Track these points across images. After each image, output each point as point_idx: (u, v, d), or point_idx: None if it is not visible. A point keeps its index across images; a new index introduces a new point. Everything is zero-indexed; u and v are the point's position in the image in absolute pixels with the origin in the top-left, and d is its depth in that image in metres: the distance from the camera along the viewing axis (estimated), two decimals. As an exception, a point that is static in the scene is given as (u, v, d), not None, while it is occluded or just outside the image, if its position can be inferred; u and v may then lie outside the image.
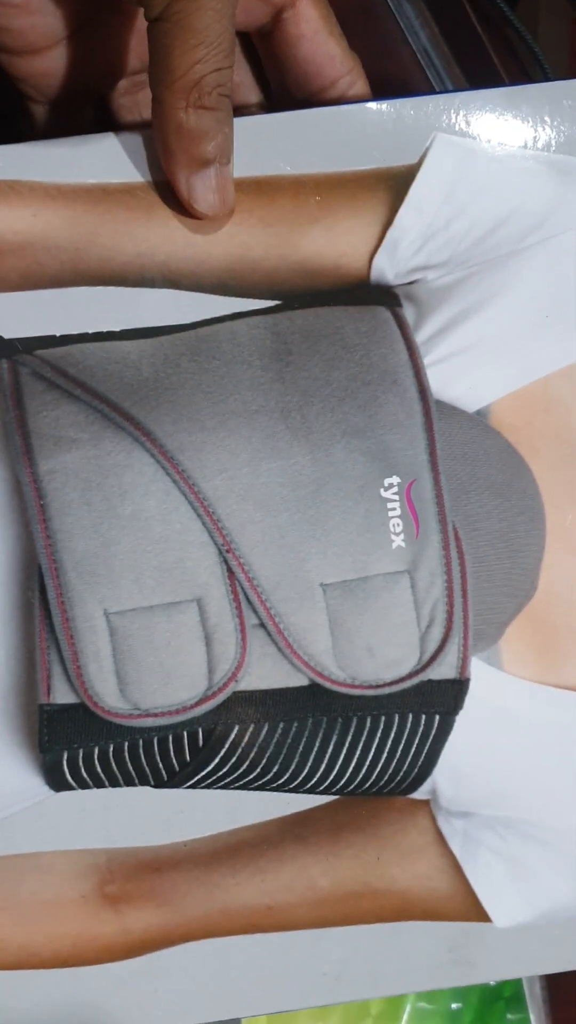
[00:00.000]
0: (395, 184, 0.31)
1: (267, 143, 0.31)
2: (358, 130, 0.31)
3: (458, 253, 0.31)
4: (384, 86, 0.38)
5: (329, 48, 0.34)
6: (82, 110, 0.35)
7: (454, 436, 0.31)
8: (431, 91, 0.40)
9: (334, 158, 0.31)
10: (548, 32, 0.48)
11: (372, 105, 0.31)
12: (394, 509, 0.31)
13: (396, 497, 0.31)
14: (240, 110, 0.37)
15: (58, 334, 0.31)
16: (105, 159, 0.31)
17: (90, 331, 0.31)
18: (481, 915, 0.31)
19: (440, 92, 0.31)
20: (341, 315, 0.31)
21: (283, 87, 0.35)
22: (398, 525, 0.31)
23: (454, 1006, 0.46)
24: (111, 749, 0.30)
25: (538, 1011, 0.46)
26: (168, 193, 0.31)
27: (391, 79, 0.39)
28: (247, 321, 0.31)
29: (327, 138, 0.31)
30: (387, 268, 0.32)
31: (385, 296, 0.32)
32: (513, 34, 0.40)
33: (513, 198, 0.31)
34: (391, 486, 0.31)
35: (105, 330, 0.31)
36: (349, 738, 0.31)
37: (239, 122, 0.31)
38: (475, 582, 0.31)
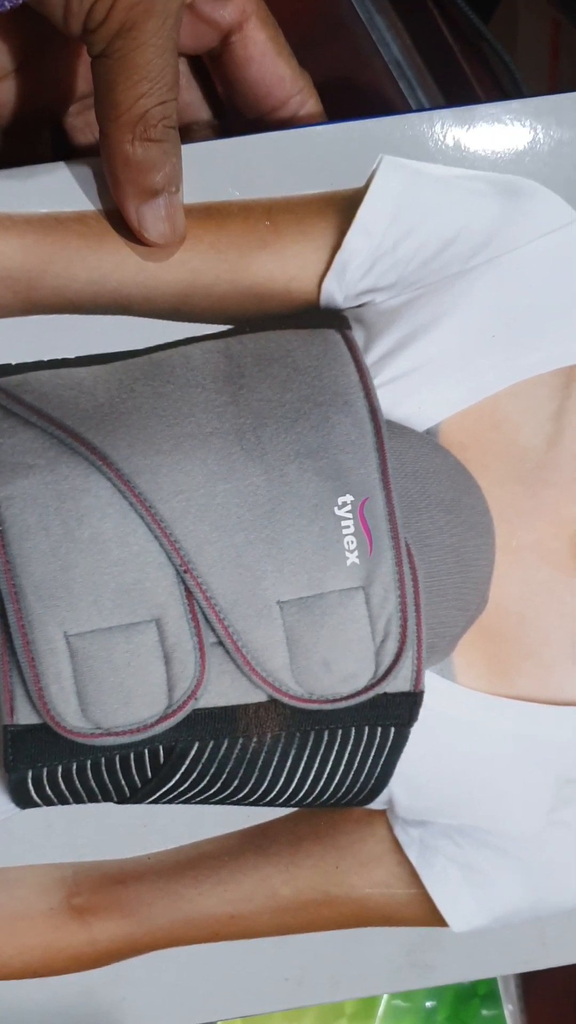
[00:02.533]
0: (343, 207, 0.32)
1: (216, 169, 0.32)
2: (305, 153, 0.32)
3: (406, 275, 0.32)
4: (356, 98, 0.38)
5: (278, 69, 0.34)
6: (37, 135, 0.35)
7: (405, 455, 0.32)
8: (404, 102, 0.40)
9: (283, 182, 0.32)
10: (528, 32, 0.48)
11: (317, 128, 0.32)
12: (348, 527, 0.31)
13: (349, 515, 0.31)
14: (190, 129, 0.38)
15: (13, 362, 0.32)
16: (56, 188, 0.31)
17: (45, 359, 0.32)
18: (438, 920, 0.32)
19: (387, 114, 0.31)
20: (292, 338, 0.32)
21: (234, 107, 0.35)
22: (352, 542, 0.31)
23: (428, 1004, 0.47)
24: (74, 767, 0.31)
25: (513, 1007, 0.47)
26: (119, 221, 0.31)
27: (363, 91, 0.40)
28: (200, 345, 0.32)
29: (275, 162, 0.32)
30: (336, 291, 0.32)
31: (335, 319, 0.32)
32: (485, 44, 0.40)
33: (460, 219, 0.32)
34: (344, 504, 0.31)
35: (60, 357, 0.32)
36: (307, 752, 0.32)
37: (188, 148, 0.31)
38: (428, 596, 0.32)
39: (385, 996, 0.46)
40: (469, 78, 0.38)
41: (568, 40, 0.47)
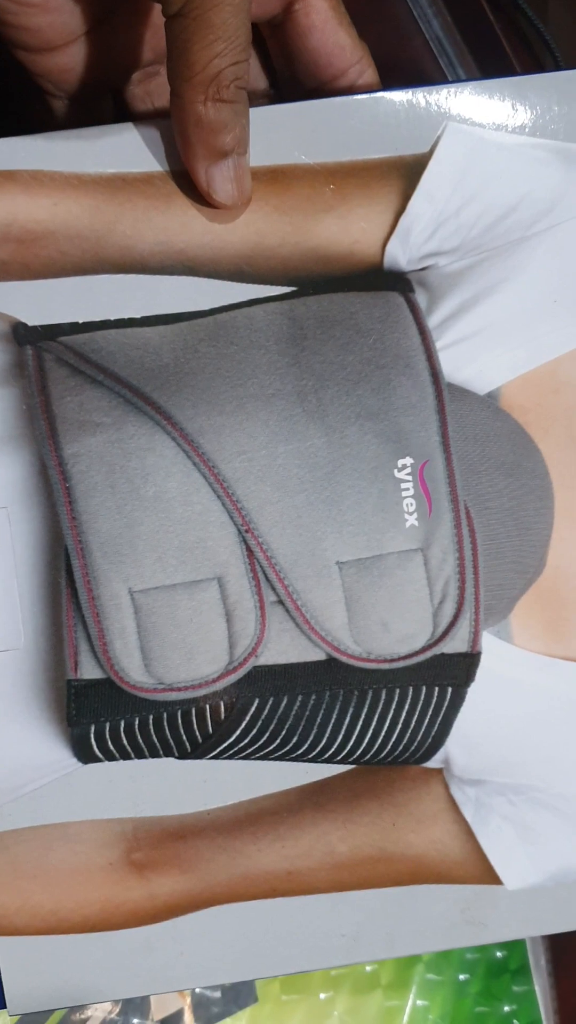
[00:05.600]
0: (407, 172, 0.32)
1: (282, 133, 0.32)
2: (371, 119, 0.32)
3: (469, 239, 0.32)
4: (397, 74, 0.39)
5: (339, 38, 0.34)
6: (100, 102, 0.35)
7: (465, 418, 0.32)
8: (443, 79, 0.40)
9: (347, 147, 0.32)
10: (558, 17, 0.48)
11: (384, 94, 0.32)
12: (407, 489, 0.32)
13: (409, 477, 0.32)
14: (248, 97, 0.38)
15: (80, 321, 0.32)
16: (124, 149, 0.31)
17: (111, 318, 0.32)
18: (492, 878, 0.33)
19: (451, 82, 0.32)
20: (355, 300, 0.32)
21: (292, 76, 0.36)
22: (411, 504, 0.32)
23: (461, 977, 0.47)
24: (136, 722, 0.31)
25: (543, 983, 0.48)
26: (185, 182, 0.32)
27: (404, 67, 0.40)
28: (264, 307, 0.32)
29: (340, 127, 0.32)
30: (400, 254, 0.32)
31: (398, 282, 0.32)
32: (525, 21, 0.40)
33: (522, 186, 0.32)
34: (404, 467, 0.32)
35: (126, 317, 0.32)
36: (365, 710, 0.32)
37: (255, 112, 0.32)
38: (486, 559, 0.32)
39: (420, 968, 0.47)
40: (508, 55, 0.38)
41: None
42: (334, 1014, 0.45)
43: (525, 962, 0.47)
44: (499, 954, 0.47)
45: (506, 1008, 0.47)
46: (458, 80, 0.33)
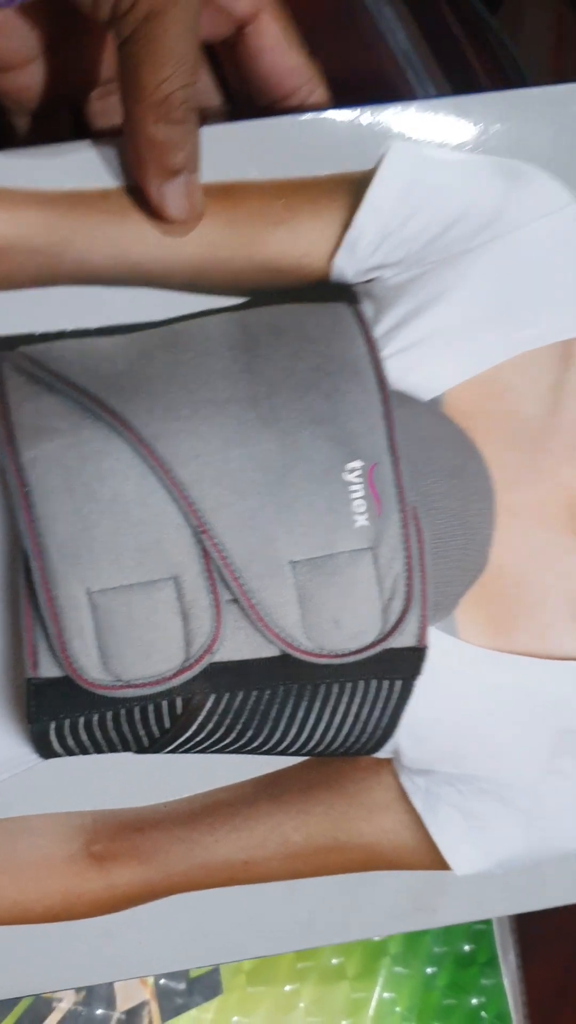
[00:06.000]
0: (353, 188, 0.34)
1: (234, 150, 0.33)
2: (319, 137, 0.34)
3: (413, 252, 0.34)
4: (363, 84, 0.40)
5: (290, 60, 0.36)
6: (59, 117, 0.36)
7: (411, 423, 0.34)
8: (409, 90, 0.42)
9: (297, 164, 0.34)
10: (533, 23, 0.49)
11: (331, 113, 0.34)
12: (357, 491, 0.33)
13: (359, 480, 0.33)
14: (202, 113, 0.39)
15: (38, 332, 0.33)
16: (80, 167, 0.33)
17: (68, 328, 0.33)
18: (441, 864, 0.34)
19: (396, 101, 0.33)
20: (304, 311, 0.34)
21: (246, 95, 0.37)
22: (361, 506, 0.33)
23: (429, 970, 0.48)
24: (95, 719, 0.32)
25: (511, 976, 0.49)
26: (140, 198, 0.33)
27: (371, 79, 0.41)
28: (217, 317, 0.34)
29: (290, 145, 0.34)
30: (346, 267, 0.34)
31: (345, 293, 0.34)
32: (491, 35, 0.41)
33: (463, 201, 0.34)
34: (354, 469, 0.33)
35: (83, 327, 0.33)
36: (318, 703, 0.33)
37: (208, 130, 0.33)
38: (432, 557, 0.33)
39: (387, 961, 0.48)
40: (475, 68, 0.40)
41: (572, 32, 0.49)
42: (299, 1005, 0.46)
43: (493, 955, 0.49)
44: (467, 947, 0.49)
45: (474, 1001, 0.49)
46: (402, 100, 0.35)
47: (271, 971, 0.46)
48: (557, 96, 0.33)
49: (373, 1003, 0.47)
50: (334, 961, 0.47)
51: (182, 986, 0.44)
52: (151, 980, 0.44)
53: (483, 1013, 0.48)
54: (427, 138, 0.33)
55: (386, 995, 0.47)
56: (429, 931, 0.48)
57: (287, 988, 0.46)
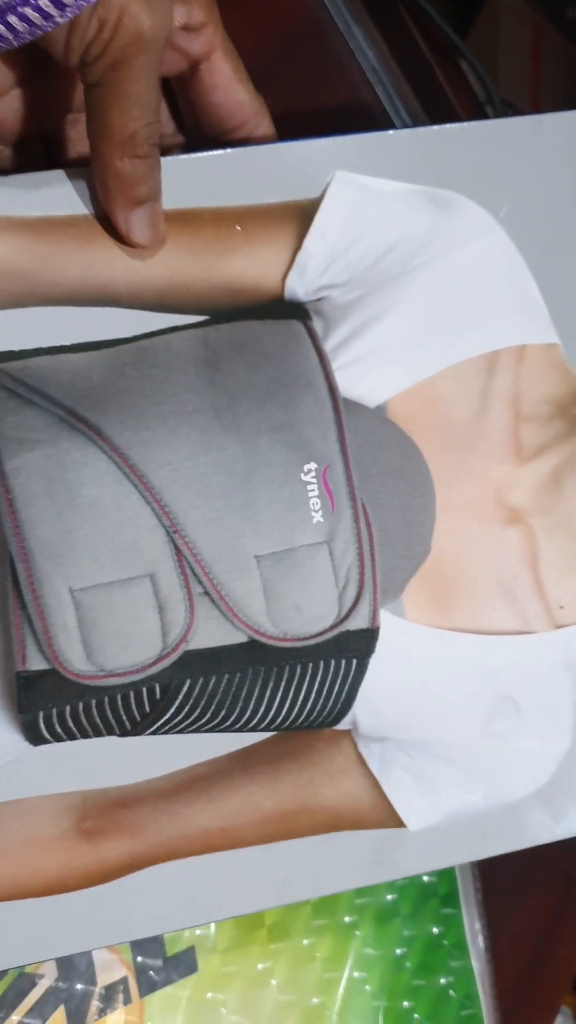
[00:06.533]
0: (302, 215, 0.37)
1: (193, 180, 0.36)
2: (270, 167, 0.37)
3: (357, 274, 0.37)
4: (335, 103, 0.43)
5: (239, 95, 0.39)
6: (32, 146, 0.38)
7: (359, 428, 0.37)
8: (381, 108, 0.44)
9: (250, 192, 0.37)
10: (509, 36, 0.51)
11: (281, 145, 0.37)
12: (313, 490, 0.36)
13: (314, 480, 0.36)
14: (160, 144, 0.42)
15: (16, 349, 0.35)
16: (52, 195, 0.35)
17: (44, 346, 0.35)
18: (397, 822, 0.38)
19: (337, 134, 0.37)
20: (261, 328, 0.37)
21: (198, 126, 0.40)
22: (317, 504, 0.36)
23: (398, 951, 0.51)
24: (81, 707, 0.35)
25: (480, 958, 0.52)
26: (108, 224, 0.36)
27: (342, 97, 0.44)
28: (181, 334, 0.36)
29: (244, 175, 0.37)
30: (298, 287, 0.37)
31: (297, 311, 0.37)
32: (459, 55, 0.44)
33: (400, 227, 0.37)
34: (310, 471, 0.36)
35: (57, 344, 0.36)
36: (283, 683, 0.37)
37: (168, 162, 0.36)
38: (380, 548, 0.37)
39: (357, 943, 0.50)
40: (442, 84, 0.43)
41: (549, 45, 0.51)
42: (272, 983, 0.49)
43: (461, 938, 0.52)
44: (435, 930, 0.52)
45: (442, 981, 0.52)
46: (342, 133, 0.38)
47: (245, 950, 0.49)
48: (480, 131, 0.37)
49: (343, 982, 0.50)
50: (305, 942, 0.50)
51: (159, 963, 0.47)
52: (129, 957, 0.46)
53: (451, 992, 0.52)
54: (367, 169, 0.37)
55: (356, 974, 0.50)
56: (399, 914, 0.51)
57: (260, 966, 0.49)
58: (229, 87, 0.38)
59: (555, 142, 0.38)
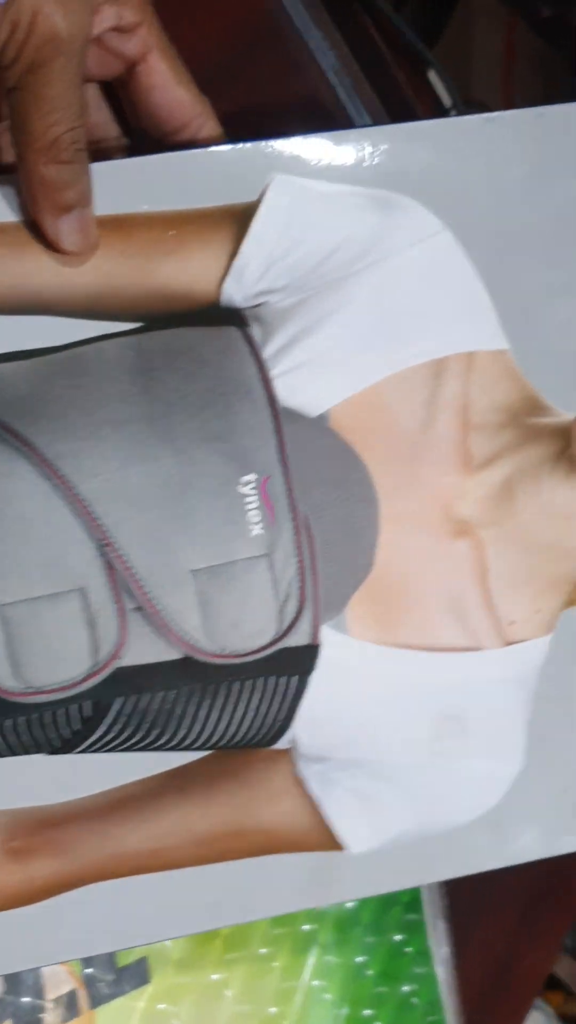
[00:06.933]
0: (240, 219, 0.36)
1: (126, 184, 0.35)
2: (206, 171, 0.36)
3: (296, 279, 0.36)
4: (296, 104, 0.42)
5: (178, 95, 0.38)
6: None
7: (300, 438, 0.36)
8: (342, 109, 0.44)
9: (185, 196, 0.36)
10: (483, 36, 0.51)
11: (217, 148, 0.36)
12: (252, 502, 0.35)
13: (253, 492, 0.35)
14: (100, 146, 0.41)
15: (-57, 359, 0.35)
16: (-21, 202, 0.34)
17: (-28, 355, 0.35)
18: (337, 844, 0.37)
19: (277, 136, 0.35)
20: (197, 335, 0.36)
21: (141, 128, 0.39)
22: (256, 516, 0.35)
23: (359, 959, 0.50)
24: (8, 724, 0.34)
25: (444, 966, 0.51)
26: (37, 231, 0.35)
27: (302, 97, 0.43)
28: (114, 341, 0.36)
29: (179, 179, 0.36)
30: (235, 293, 0.36)
31: (234, 318, 0.36)
32: (418, 53, 0.44)
33: (341, 230, 0.36)
34: (248, 482, 0.35)
35: (-15, 354, 0.35)
36: (220, 701, 0.36)
37: (101, 166, 0.35)
38: (322, 561, 0.36)
39: (317, 950, 0.50)
40: (403, 86, 0.42)
41: (523, 44, 0.51)
42: (226, 994, 0.48)
43: (425, 945, 0.51)
44: (397, 937, 0.51)
45: (405, 988, 0.51)
46: (282, 135, 0.37)
47: (199, 960, 0.48)
48: (427, 130, 0.36)
49: (302, 991, 0.49)
50: (262, 951, 0.49)
51: (110, 976, 0.46)
52: (78, 969, 0.46)
53: (415, 1000, 0.51)
54: (306, 171, 0.36)
55: (316, 983, 0.50)
56: (360, 922, 0.50)
57: (214, 977, 0.48)
58: (168, 88, 0.37)
59: (505, 141, 0.36)
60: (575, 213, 0.36)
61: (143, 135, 0.40)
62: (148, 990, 0.47)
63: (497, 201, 0.36)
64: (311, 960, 0.50)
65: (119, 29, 0.36)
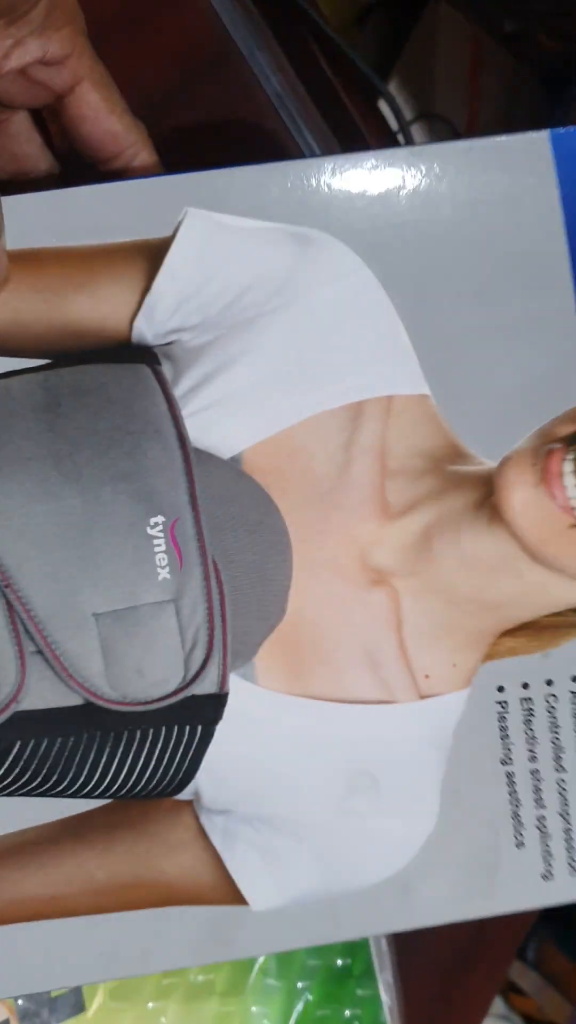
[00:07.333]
0: (152, 254, 0.35)
1: (37, 218, 0.34)
2: (118, 205, 0.35)
3: (209, 316, 0.35)
4: (241, 130, 0.41)
5: (110, 126, 0.37)
6: None
7: (211, 480, 0.35)
8: (287, 134, 0.43)
9: (97, 231, 0.35)
10: (448, 48, 0.50)
11: (129, 183, 0.35)
12: (159, 545, 0.34)
13: (161, 534, 0.34)
14: (30, 177, 0.40)
15: None
16: None
17: None
18: (240, 900, 0.36)
19: (191, 170, 0.34)
20: (106, 372, 0.35)
21: (75, 156, 0.38)
22: (163, 559, 0.34)
23: (300, 984, 0.49)
24: None
25: (388, 989, 0.50)
26: (-55, 264, 0.34)
27: (247, 123, 0.42)
28: (20, 378, 0.35)
29: (90, 213, 0.35)
30: (146, 330, 0.35)
31: (145, 355, 0.35)
32: (363, 76, 0.43)
33: (256, 267, 0.35)
34: (156, 524, 0.34)
35: None
36: (121, 749, 0.35)
37: (10, 200, 0.34)
38: (232, 608, 0.35)
39: (257, 976, 0.49)
40: (349, 109, 0.41)
41: (488, 58, 0.50)
42: (162, 1021, 0.48)
43: (369, 967, 0.50)
44: (340, 961, 0.50)
45: (348, 1012, 0.50)
46: (198, 168, 0.36)
47: (135, 988, 0.48)
48: (351, 162, 0.34)
49: (241, 1017, 0.48)
50: (200, 978, 0.48)
51: (43, 1005, 0.46)
52: (11, 999, 0.46)
53: (357, 1023, 0.50)
54: (221, 206, 0.35)
55: (255, 1008, 0.49)
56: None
57: (150, 1005, 0.48)
58: (98, 119, 0.37)
59: (431, 176, 0.35)
60: (502, 251, 0.34)
61: (77, 162, 0.39)
62: (83, 1018, 0.47)
63: (421, 238, 0.34)
64: (251, 985, 0.49)
65: (44, 62, 0.35)
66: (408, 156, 0.35)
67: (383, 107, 0.44)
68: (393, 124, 0.45)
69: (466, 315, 0.34)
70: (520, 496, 0.35)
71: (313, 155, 0.41)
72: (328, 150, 0.43)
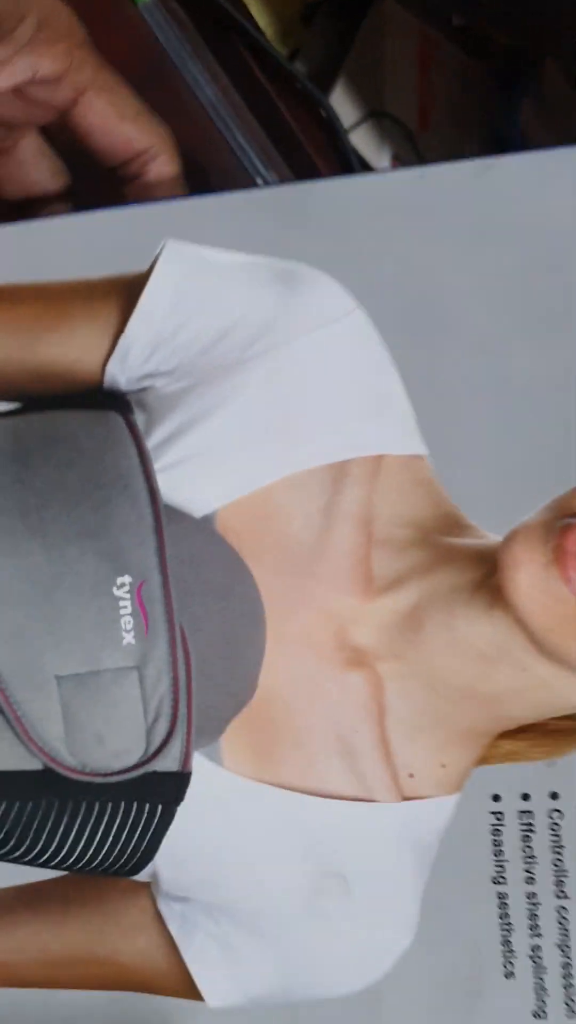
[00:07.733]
0: (128, 291, 0.32)
1: (8, 254, 0.32)
2: (93, 238, 0.32)
3: (185, 362, 0.32)
4: (178, 140, 0.39)
5: (123, 131, 0.35)
6: None
7: (181, 540, 0.32)
8: (224, 142, 0.41)
9: (71, 266, 0.32)
10: (395, 46, 0.47)
11: (103, 212, 0.32)
12: (125, 607, 0.32)
13: (127, 596, 0.32)
14: (40, 204, 0.38)
15: None
16: None
17: None
18: (195, 993, 0.33)
19: (168, 199, 0.31)
20: (76, 420, 0.33)
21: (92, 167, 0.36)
22: (129, 623, 0.32)
23: None
24: None
25: None
26: None
27: (183, 134, 0.40)
28: (-11, 424, 0.33)
29: (64, 247, 0.32)
30: (119, 374, 0.32)
31: (117, 402, 0.32)
32: (299, 83, 0.41)
33: (237, 308, 0.31)
34: (123, 585, 0.32)
35: None
36: (78, 821, 0.33)
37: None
38: (198, 680, 0.32)
39: None
40: (286, 117, 0.39)
41: (437, 53, 0.47)
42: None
43: None
44: None
45: None
46: (174, 198, 0.33)
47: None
48: (339, 188, 0.30)
49: None
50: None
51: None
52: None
53: None
54: (202, 238, 0.31)
55: None
56: None
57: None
58: (107, 125, 0.35)
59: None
60: (517, 290, 0.29)
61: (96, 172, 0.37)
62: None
63: (425, 271, 0.30)
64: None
65: (40, 80, 0.33)
66: (418, 176, 0.30)
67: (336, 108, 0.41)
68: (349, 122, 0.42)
69: (473, 365, 0.30)
70: (528, 577, 0.30)
71: (251, 163, 0.38)
72: (266, 158, 0.40)
